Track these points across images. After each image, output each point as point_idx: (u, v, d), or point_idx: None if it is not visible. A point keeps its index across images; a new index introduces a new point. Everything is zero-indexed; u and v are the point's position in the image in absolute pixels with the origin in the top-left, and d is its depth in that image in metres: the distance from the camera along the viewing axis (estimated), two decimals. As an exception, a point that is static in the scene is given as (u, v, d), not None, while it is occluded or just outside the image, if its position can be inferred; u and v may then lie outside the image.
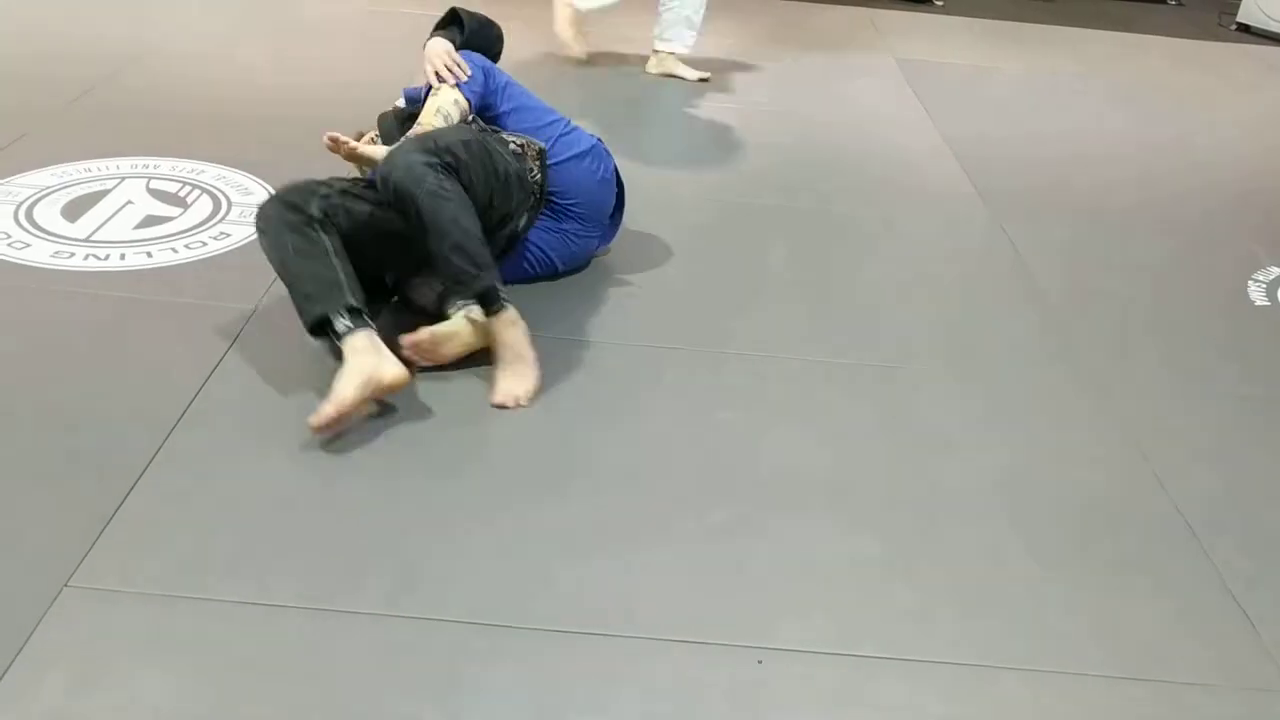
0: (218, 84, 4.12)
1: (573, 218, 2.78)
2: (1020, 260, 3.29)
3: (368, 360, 2.17)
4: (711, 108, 4.45)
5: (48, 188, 3.13)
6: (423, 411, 2.31)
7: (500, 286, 2.36)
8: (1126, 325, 3.00)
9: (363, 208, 2.43)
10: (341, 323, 2.19)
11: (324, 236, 2.30)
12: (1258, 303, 3.19)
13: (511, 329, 2.37)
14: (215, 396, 2.28)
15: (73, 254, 2.79)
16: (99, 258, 2.79)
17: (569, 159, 2.74)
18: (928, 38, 5.87)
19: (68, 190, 3.13)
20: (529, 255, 2.77)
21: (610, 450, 2.26)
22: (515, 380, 2.36)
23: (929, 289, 3.07)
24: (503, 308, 2.35)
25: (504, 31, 2.97)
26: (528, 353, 2.38)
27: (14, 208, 2.99)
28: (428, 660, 1.72)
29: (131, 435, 2.14)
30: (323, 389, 2.31)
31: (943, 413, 2.51)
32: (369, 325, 2.23)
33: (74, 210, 3.01)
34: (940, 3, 6.62)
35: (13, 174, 3.18)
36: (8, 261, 2.73)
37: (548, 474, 2.18)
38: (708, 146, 4.09)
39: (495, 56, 2.91)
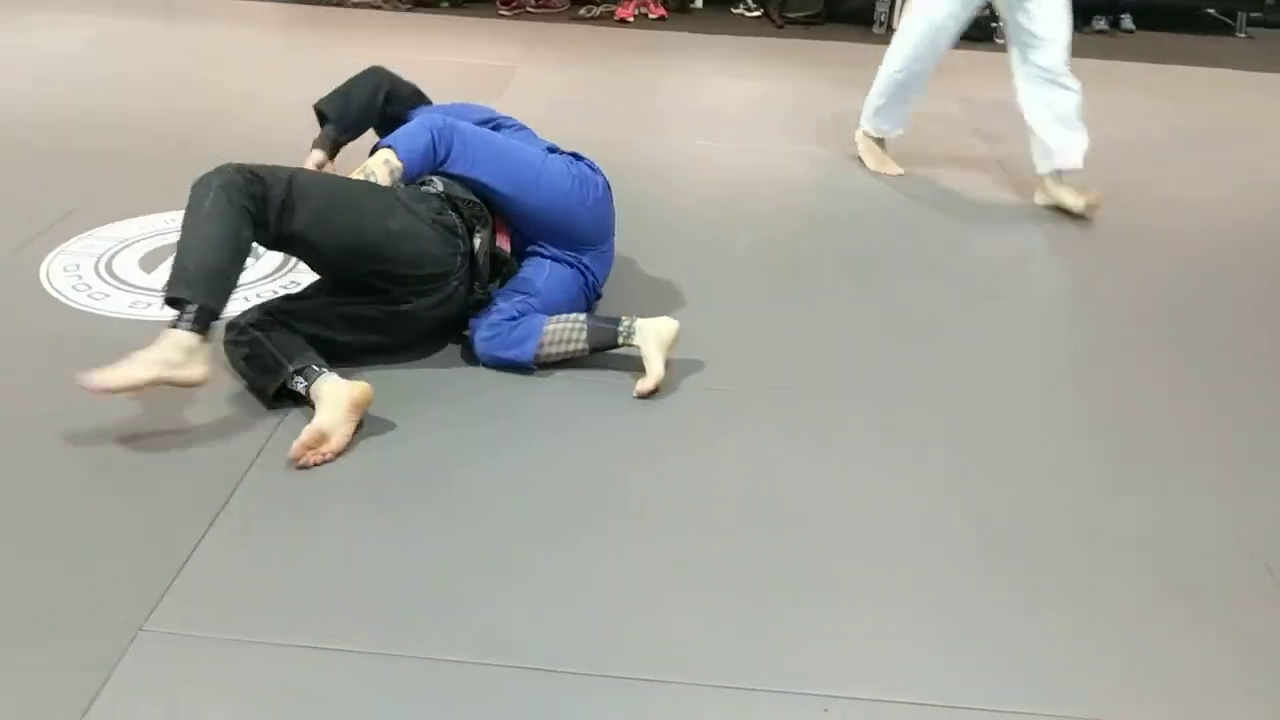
0: (290, 139, 4.22)
1: (585, 250, 2.82)
2: (1096, 300, 3.24)
3: (335, 392, 2.33)
4: (770, 150, 4.46)
5: (127, 240, 3.23)
6: (479, 458, 2.33)
7: (194, 305, 2.22)
8: (1207, 367, 2.93)
9: (300, 305, 2.57)
10: (299, 383, 2.37)
11: (258, 334, 2.47)
12: (1341, 341, 3.11)
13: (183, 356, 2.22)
14: (285, 443, 2.31)
15: (149, 304, 2.88)
16: (174, 307, 2.87)
17: (555, 198, 2.74)
18: (991, 75, 5.82)
19: (146, 242, 3.23)
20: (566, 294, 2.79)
21: (668, 492, 2.26)
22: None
23: (998, 330, 3.04)
24: (175, 325, 2.22)
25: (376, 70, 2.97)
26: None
27: (94, 260, 3.09)
28: (490, 707, 1.73)
29: (204, 481, 2.20)
30: (393, 436, 2.37)
31: (1016, 454, 2.48)
32: (323, 371, 2.38)
33: (151, 261, 3.11)
34: (1002, 40, 6.58)
35: (96, 227, 3.30)
36: (88, 312, 2.83)
37: (604, 517, 2.18)
38: (765, 189, 4.10)
39: (386, 109, 2.95)
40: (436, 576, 2.00)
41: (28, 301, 2.86)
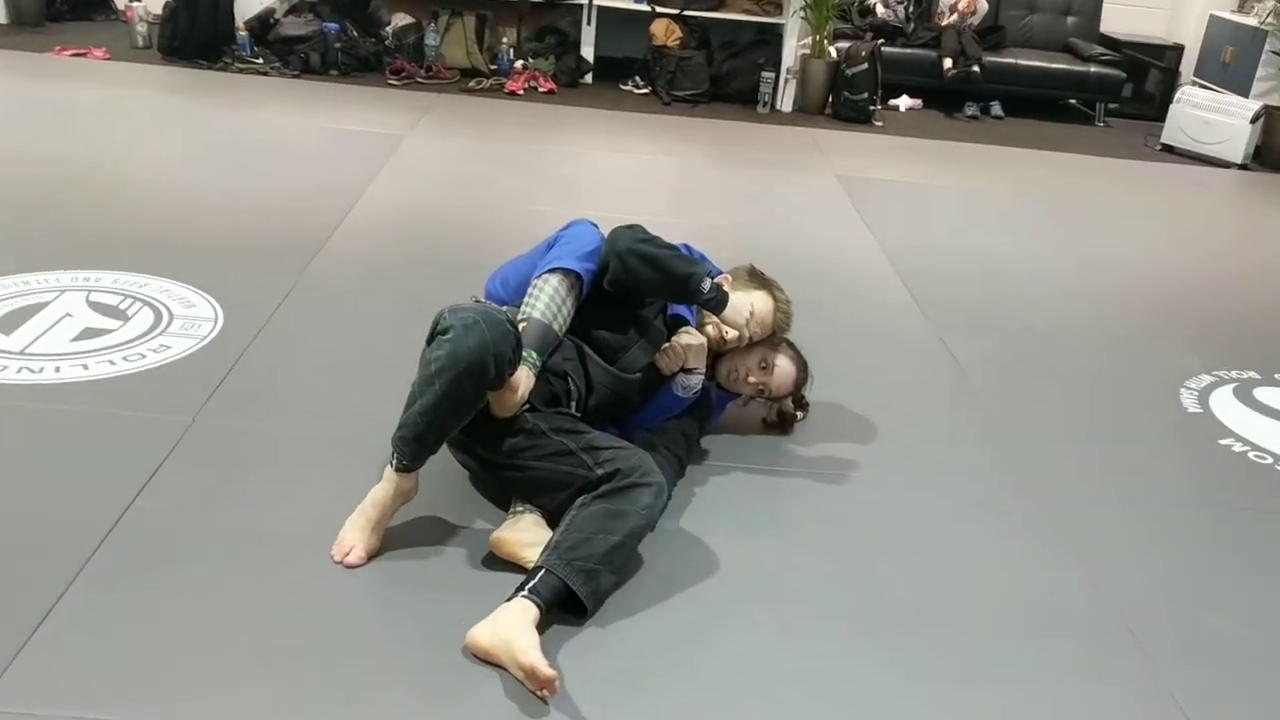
0: (166, 201, 4.13)
1: None
2: (959, 369, 3.35)
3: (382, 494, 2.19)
4: (660, 223, 4.51)
5: (-17, 301, 3.10)
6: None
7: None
8: (1063, 432, 3.04)
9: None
10: (400, 462, 2.16)
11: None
12: (1190, 409, 3.26)
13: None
14: (145, 512, 2.22)
15: (5, 367, 2.75)
16: (32, 370, 2.75)
17: None
18: (867, 155, 6.05)
19: (5, 303, 3.09)
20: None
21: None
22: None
23: (869, 398, 3.10)
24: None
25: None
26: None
27: (-52, 321, 2.96)
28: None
29: (54, 552, 2.08)
30: (255, 504, 2.29)
31: (882, 521, 2.52)
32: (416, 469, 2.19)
33: (10, 323, 2.98)
34: (879, 123, 6.85)
35: (-51, 287, 3.15)
36: (-62, 375, 2.69)
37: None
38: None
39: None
40: (312, 660, 1.92)
41: None
